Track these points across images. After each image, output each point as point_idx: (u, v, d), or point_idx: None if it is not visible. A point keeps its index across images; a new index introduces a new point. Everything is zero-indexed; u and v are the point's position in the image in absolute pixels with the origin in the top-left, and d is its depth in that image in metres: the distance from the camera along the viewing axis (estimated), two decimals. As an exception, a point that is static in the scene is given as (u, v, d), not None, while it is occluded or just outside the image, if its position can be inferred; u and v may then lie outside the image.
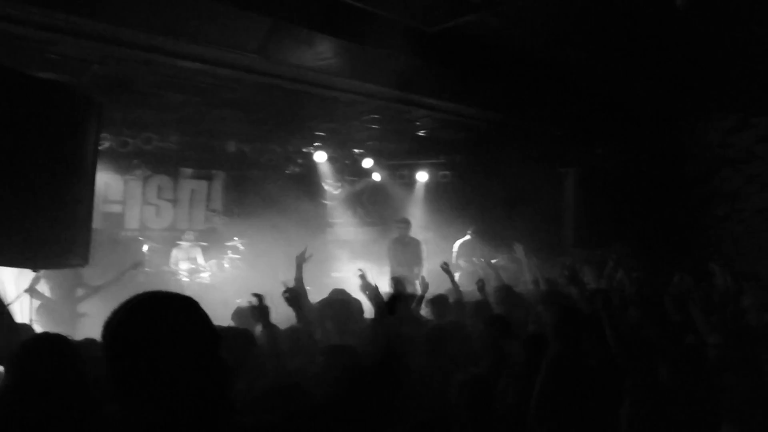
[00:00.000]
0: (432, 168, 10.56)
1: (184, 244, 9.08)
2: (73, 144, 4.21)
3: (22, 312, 5.61)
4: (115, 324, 1.35)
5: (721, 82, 8.34)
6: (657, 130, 9.37)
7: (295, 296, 4.11)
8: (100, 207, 8.20)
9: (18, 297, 5.64)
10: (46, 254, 4.01)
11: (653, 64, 7.58)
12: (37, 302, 5.78)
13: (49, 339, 2.69)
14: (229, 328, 3.81)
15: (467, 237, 9.20)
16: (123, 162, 8.55)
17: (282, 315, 5.56)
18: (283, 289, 5.56)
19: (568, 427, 2.91)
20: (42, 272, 5.74)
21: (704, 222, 9.62)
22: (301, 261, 5.65)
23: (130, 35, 4.81)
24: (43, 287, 6.03)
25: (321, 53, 5.73)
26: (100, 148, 6.72)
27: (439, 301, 5.48)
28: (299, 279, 5.52)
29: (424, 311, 5.67)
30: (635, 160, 9.41)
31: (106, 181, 8.54)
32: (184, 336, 1.33)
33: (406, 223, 9.09)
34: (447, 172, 10.52)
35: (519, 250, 7.44)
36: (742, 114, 9.44)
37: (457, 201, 10.14)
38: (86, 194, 4.43)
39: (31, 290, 5.69)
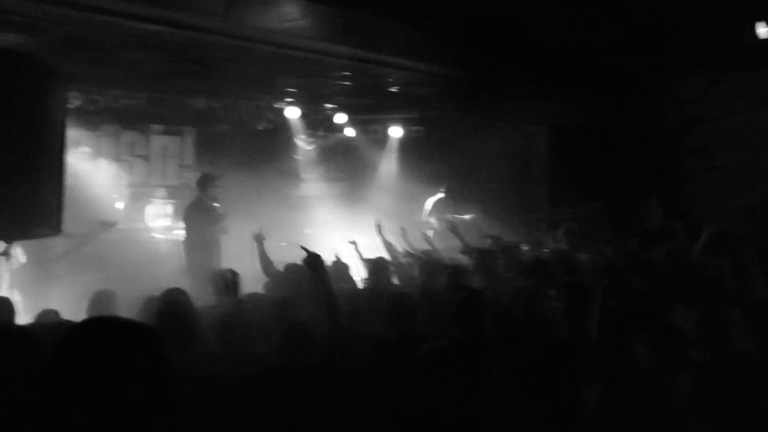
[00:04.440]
0: (405, 123, 10.56)
1: (157, 200, 9.12)
2: (38, 115, 4.21)
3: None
4: (59, 347, 1.32)
5: (695, 37, 8.39)
6: (630, 86, 9.41)
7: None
8: (73, 164, 8.16)
9: (-6, 261, 5.70)
10: (16, 225, 4.07)
11: (626, 19, 7.62)
12: (12, 266, 5.85)
13: None
14: None
15: (440, 195, 9.32)
16: (93, 119, 8.47)
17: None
18: (256, 243, 5.85)
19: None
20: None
21: (679, 179, 9.74)
22: (259, 239, 5.83)
23: (93, 0, 4.76)
24: (17, 250, 6.09)
25: (287, 15, 5.71)
26: (70, 106, 6.73)
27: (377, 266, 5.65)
28: (262, 253, 5.72)
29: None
30: (608, 116, 9.49)
31: (78, 138, 8.48)
32: (132, 371, 1.29)
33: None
34: (420, 128, 10.55)
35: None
36: (717, 69, 9.47)
37: (430, 157, 10.23)
38: (55, 164, 4.45)
39: (6, 254, 5.74)
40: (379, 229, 6.60)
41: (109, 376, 1.27)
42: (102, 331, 1.36)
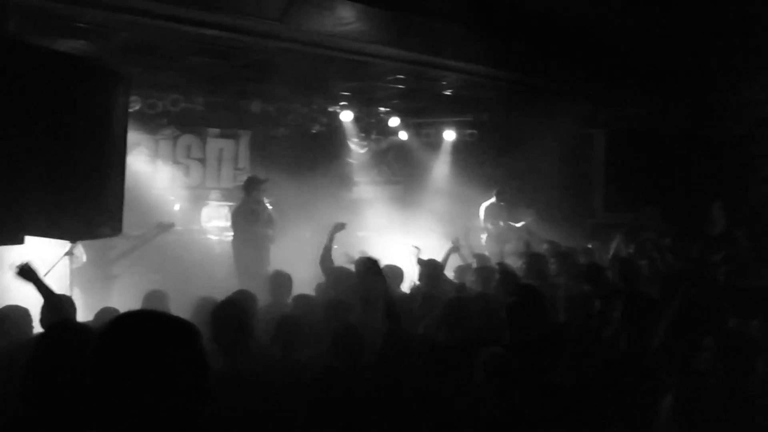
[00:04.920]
0: (458, 126, 10.48)
1: (213, 203, 9.29)
2: (102, 117, 4.31)
3: (61, 274, 5.89)
4: (106, 338, 1.38)
5: (763, 37, 7.99)
6: (694, 87, 9.05)
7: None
8: (132, 166, 8.37)
9: (59, 260, 5.92)
10: (80, 225, 4.17)
11: (689, 17, 7.32)
12: (73, 265, 6.04)
13: None
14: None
15: (492, 199, 9.20)
16: (153, 123, 8.69)
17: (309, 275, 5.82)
18: (330, 234, 5.90)
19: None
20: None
21: (744, 185, 9.31)
22: (335, 231, 5.85)
23: (154, 6, 4.86)
24: (79, 250, 6.29)
25: (343, 18, 5.71)
26: (131, 110, 6.93)
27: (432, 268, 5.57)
28: (328, 248, 5.74)
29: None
30: (670, 119, 9.15)
31: (138, 141, 8.71)
32: (174, 362, 1.34)
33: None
34: (474, 131, 10.44)
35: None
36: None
37: (483, 161, 10.10)
38: (117, 166, 4.55)
39: (70, 253, 5.96)
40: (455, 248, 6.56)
41: (145, 365, 1.32)
42: (138, 322, 1.42)
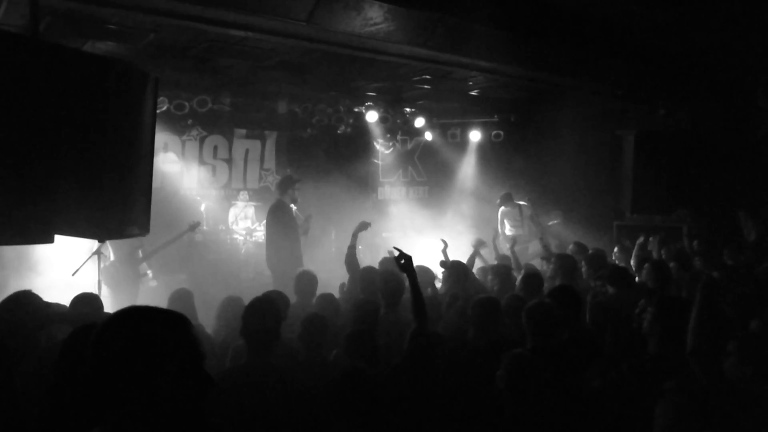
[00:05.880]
0: (485, 127, 10.40)
1: (239, 203, 9.35)
2: (131, 118, 4.35)
3: (90, 272, 5.98)
4: (100, 336, 1.40)
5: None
6: (727, 88, 8.85)
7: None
8: (160, 167, 8.45)
9: (88, 258, 6.01)
10: (110, 225, 4.21)
11: (723, 17, 7.15)
12: (102, 264, 6.12)
13: None
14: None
15: (510, 201, 9.13)
16: (180, 123, 8.77)
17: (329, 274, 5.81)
18: (356, 230, 5.91)
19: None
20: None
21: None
22: (360, 230, 5.84)
23: (182, 8, 4.88)
24: (108, 249, 6.38)
25: (370, 19, 5.67)
26: (158, 111, 7.00)
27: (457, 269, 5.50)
28: (352, 247, 5.72)
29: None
30: (700, 121, 8.96)
31: (165, 141, 8.81)
32: (166, 352, 1.38)
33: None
34: (500, 132, 10.35)
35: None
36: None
37: (509, 161, 10.01)
38: (145, 167, 4.58)
39: (98, 252, 6.04)
40: (477, 248, 6.53)
41: (136, 355, 1.36)
42: (128, 317, 1.46)
